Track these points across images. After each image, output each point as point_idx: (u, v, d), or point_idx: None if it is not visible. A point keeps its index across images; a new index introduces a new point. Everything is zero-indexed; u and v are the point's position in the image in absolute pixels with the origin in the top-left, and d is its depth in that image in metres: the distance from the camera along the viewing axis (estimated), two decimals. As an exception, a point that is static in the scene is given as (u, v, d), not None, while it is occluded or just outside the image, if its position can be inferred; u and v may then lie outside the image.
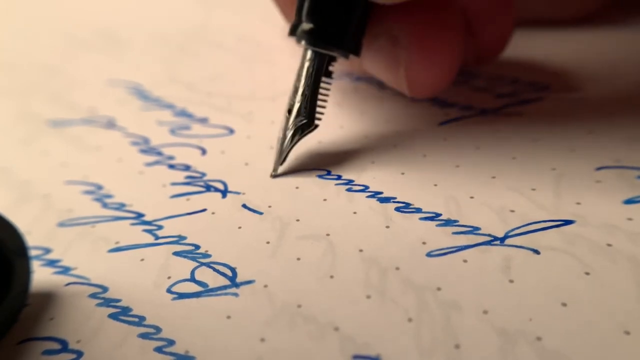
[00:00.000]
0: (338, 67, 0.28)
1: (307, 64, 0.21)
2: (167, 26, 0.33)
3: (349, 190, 0.21)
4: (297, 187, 0.22)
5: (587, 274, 0.17)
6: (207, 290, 0.18)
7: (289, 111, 0.22)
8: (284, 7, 0.26)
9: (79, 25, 0.34)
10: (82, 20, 0.35)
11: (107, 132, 0.26)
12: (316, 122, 0.22)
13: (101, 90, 0.29)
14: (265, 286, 0.18)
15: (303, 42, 0.21)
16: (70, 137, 0.26)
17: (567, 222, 0.19)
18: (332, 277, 0.18)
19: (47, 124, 0.27)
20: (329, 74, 0.22)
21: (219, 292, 0.18)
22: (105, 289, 0.19)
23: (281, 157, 0.22)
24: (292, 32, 0.21)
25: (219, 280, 0.19)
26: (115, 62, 0.31)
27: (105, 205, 0.22)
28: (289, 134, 0.22)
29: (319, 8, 0.21)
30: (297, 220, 0.20)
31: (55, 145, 0.26)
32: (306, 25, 0.21)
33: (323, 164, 0.23)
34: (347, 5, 0.21)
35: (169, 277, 0.19)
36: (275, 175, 0.22)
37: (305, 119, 0.22)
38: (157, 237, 0.20)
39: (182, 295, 0.18)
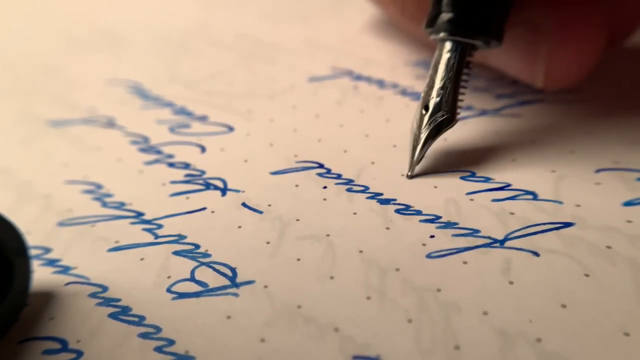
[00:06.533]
0: (340, 65, 0.28)
1: (446, 55, 0.21)
2: (166, 25, 0.33)
3: (349, 190, 0.21)
4: (296, 185, 0.22)
5: (587, 275, 0.17)
6: (207, 290, 0.18)
7: (426, 107, 0.21)
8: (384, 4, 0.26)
9: (79, 25, 0.34)
10: (82, 20, 0.35)
11: (107, 132, 0.26)
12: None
13: (101, 90, 0.29)
14: (266, 286, 0.18)
15: (442, 34, 0.21)
16: (70, 137, 0.26)
17: (567, 225, 0.19)
18: (332, 277, 0.18)
19: (47, 124, 0.27)
20: (468, 65, 0.21)
21: (219, 292, 0.18)
22: (105, 289, 0.19)
23: (419, 156, 0.21)
24: (431, 24, 0.21)
25: (219, 280, 0.19)
26: (115, 61, 0.31)
27: (105, 205, 0.22)
28: (427, 130, 0.21)
29: None
30: (297, 220, 0.20)
31: (55, 145, 0.26)
32: (446, 15, 0.20)
33: (324, 162, 0.23)
34: None
35: (168, 277, 0.19)
36: (411, 176, 0.21)
37: (447, 113, 0.21)
38: (156, 237, 0.20)
39: (182, 295, 0.18)
